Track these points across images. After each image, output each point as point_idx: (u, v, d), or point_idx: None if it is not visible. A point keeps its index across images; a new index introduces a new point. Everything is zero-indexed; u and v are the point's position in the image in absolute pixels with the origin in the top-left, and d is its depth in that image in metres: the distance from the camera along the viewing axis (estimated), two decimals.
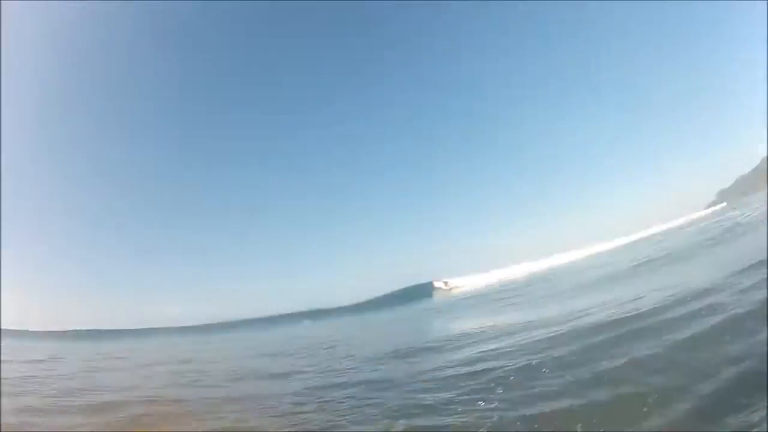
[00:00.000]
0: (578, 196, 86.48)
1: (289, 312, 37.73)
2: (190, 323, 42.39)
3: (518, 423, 3.16)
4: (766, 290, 4.79)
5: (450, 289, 32.17)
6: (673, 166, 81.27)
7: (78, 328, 43.17)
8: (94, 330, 41.76)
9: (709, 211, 36.55)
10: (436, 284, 32.62)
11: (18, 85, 61.67)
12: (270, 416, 4.41)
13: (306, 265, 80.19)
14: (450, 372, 5.14)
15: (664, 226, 33.91)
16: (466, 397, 3.95)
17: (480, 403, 3.68)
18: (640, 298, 6.88)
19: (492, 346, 6.15)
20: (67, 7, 61.37)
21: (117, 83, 78.67)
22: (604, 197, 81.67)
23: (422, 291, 31.09)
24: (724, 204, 41.96)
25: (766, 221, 11.97)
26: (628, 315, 5.79)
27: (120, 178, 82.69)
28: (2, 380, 7.26)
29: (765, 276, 5.31)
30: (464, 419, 3.38)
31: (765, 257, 6.17)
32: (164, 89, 78.34)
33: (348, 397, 4.77)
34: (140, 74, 78.70)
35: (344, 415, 4.07)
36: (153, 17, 70.38)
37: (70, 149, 77.62)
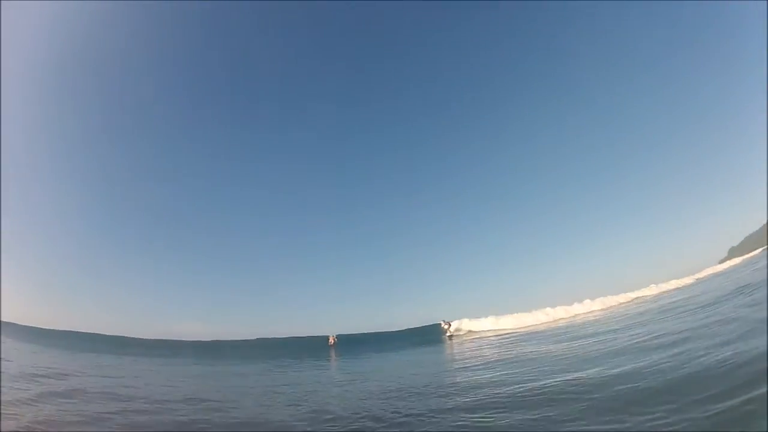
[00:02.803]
0: (575, 252, 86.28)
1: (317, 334, 37.15)
2: (206, 338, 41.49)
3: None
4: None
5: (454, 333, 29.16)
6: (684, 224, 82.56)
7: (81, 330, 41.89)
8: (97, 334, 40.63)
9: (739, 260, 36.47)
10: (445, 326, 31.20)
11: (18, 85, 62.41)
12: None
13: (321, 295, 78.23)
14: None
15: (687, 281, 34.01)
16: None
17: None
18: None
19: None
20: (67, 7, 62.65)
21: (119, 84, 79.14)
22: (613, 253, 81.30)
23: (433, 331, 30.60)
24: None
25: None
26: None
27: (131, 179, 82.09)
28: None
29: None
30: None
31: None
32: (169, 91, 79.05)
33: None
34: (143, 75, 79.53)
35: None
36: (158, 17, 71.99)
37: (79, 150, 77.44)
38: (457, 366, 12.89)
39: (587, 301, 29.52)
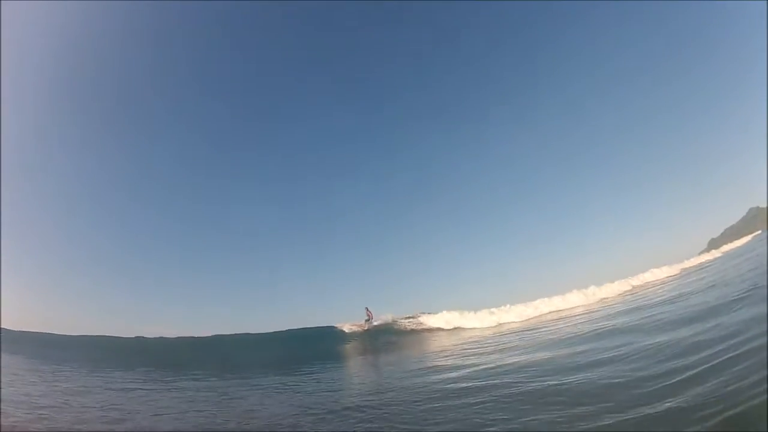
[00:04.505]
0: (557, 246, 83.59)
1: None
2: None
3: None
4: None
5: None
6: (666, 217, 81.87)
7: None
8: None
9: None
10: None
11: (18, 85, 58.23)
12: None
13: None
14: None
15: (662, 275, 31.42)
16: None
17: None
18: None
19: None
20: (68, 7, 58.76)
21: (119, 84, 74.59)
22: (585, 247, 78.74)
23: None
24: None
25: None
26: None
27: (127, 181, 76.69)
28: None
29: None
30: None
31: None
32: (169, 91, 74.56)
33: None
34: (143, 75, 75.12)
35: None
36: (159, 17, 67.64)
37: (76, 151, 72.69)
38: None
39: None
